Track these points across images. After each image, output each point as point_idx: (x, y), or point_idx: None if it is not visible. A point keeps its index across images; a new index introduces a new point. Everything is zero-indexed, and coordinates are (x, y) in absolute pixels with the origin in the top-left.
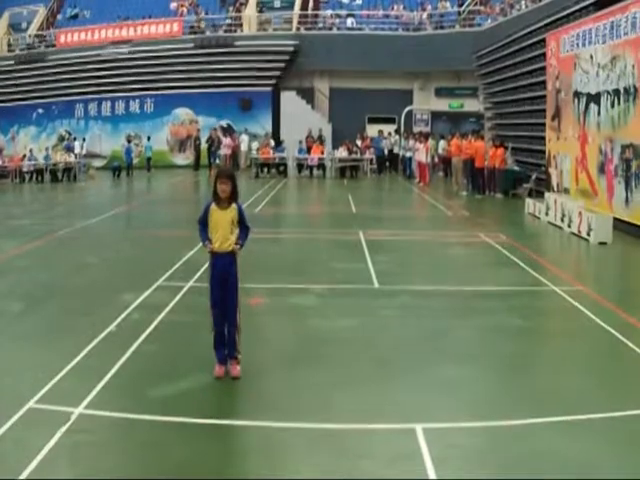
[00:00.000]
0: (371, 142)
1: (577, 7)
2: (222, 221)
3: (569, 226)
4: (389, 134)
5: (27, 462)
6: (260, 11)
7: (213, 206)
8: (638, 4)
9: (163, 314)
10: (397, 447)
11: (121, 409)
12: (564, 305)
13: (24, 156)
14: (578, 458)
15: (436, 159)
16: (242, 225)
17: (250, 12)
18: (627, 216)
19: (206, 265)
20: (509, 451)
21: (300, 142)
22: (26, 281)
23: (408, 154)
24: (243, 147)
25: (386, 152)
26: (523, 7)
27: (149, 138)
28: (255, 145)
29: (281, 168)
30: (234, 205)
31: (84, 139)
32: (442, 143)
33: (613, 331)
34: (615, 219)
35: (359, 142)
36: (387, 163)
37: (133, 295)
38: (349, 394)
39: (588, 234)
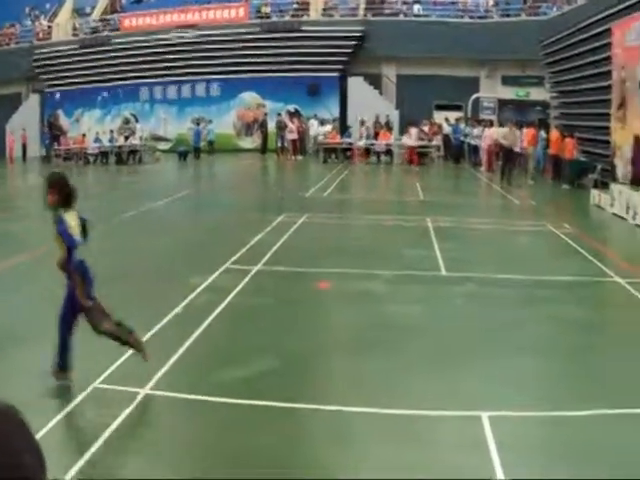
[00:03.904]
0: (447, 130)
1: None
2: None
3: (634, 218)
4: (456, 121)
5: (92, 442)
6: None
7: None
8: None
9: (231, 296)
10: (463, 434)
11: (187, 390)
12: (629, 296)
13: (84, 135)
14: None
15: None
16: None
17: None
18: None
19: (275, 247)
20: (575, 441)
21: (367, 128)
22: (92, 263)
23: (473, 141)
24: (312, 132)
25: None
26: None
27: (211, 121)
28: (323, 130)
29: (348, 153)
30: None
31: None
32: (501, 131)
33: None
34: None
35: (426, 128)
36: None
37: (201, 277)
38: (415, 380)
39: None
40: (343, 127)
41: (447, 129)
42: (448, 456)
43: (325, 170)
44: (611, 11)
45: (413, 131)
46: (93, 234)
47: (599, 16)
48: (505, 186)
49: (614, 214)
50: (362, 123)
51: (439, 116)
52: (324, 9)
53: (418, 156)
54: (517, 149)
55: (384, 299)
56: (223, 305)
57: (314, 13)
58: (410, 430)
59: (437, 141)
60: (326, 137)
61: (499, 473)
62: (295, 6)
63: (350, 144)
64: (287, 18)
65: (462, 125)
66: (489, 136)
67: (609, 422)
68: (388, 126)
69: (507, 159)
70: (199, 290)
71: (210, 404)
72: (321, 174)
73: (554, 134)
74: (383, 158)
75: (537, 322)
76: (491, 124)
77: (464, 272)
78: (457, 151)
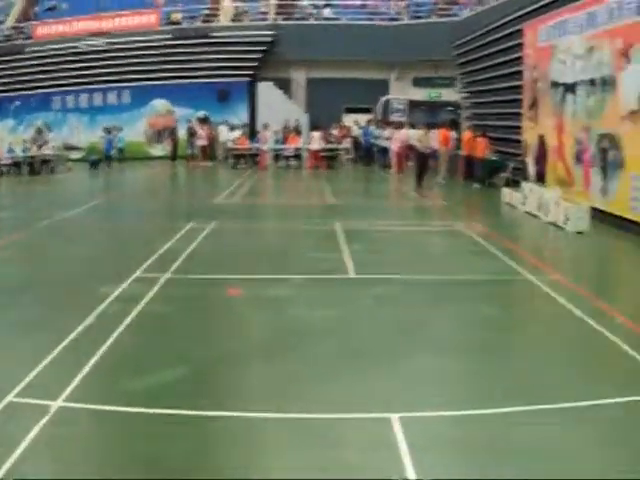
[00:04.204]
0: (356, 132)
1: None
2: None
3: (546, 215)
4: (366, 124)
5: (6, 457)
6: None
7: None
8: None
9: (142, 305)
10: (373, 436)
11: (100, 401)
12: (540, 294)
13: None
14: (556, 446)
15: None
16: None
17: (227, 2)
18: (604, 205)
19: (185, 255)
20: (486, 439)
21: (276, 132)
22: (3, 274)
23: (383, 144)
24: (222, 138)
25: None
26: None
27: (121, 129)
28: (232, 136)
29: (257, 159)
30: None
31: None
32: (413, 133)
33: (589, 319)
34: (592, 208)
35: (335, 131)
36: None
37: (111, 287)
38: (326, 384)
39: (565, 223)
40: (252, 132)
41: (356, 132)
42: (357, 459)
43: (234, 176)
44: (523, 12)
45: (316, 135)
46: (7, 245)
47: (511, 17)
48: (417, 188)
49: (526, 212)
50: (265, 127)
51: (349, 119)
52: (234, 14)
53: (325, 160)
54: (430, 151)
55: (293, 304)
56: (134, 314)
57: (224, 19)
58: (320, 434)
59: (346, 144)
60: (235, 143)
61: (410, 474)
62: (205, 12)
63: (259, 149)
64: (197, 24)
65: (371, 127)
66: (398, 138)
67: (522, 419)
68: (297, 130)
69: (421, 162)
70: (110, 299)
71: (123, 414)
72: (230, 180)
73: (467, 134)
74: (292, 162)
75: (448, 321)
76: (401, 126)
77: (373, 274)
78: (367, 154)
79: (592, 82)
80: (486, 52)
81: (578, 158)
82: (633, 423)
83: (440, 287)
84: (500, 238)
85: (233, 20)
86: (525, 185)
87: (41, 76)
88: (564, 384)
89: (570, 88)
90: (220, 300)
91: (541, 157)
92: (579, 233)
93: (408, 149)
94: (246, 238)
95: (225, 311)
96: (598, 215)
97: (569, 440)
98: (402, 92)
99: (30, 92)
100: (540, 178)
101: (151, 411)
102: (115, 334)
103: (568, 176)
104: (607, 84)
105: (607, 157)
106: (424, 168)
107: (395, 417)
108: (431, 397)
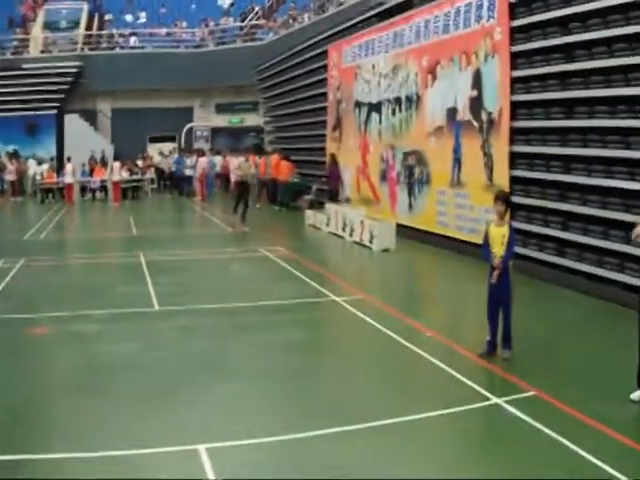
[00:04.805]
0: (159, 161)
1: (360, 18)
2: None
3: (351, 235)
4: (169, 152)
5: None
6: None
7: None
8: (422, 14)
9: None
10: (181, 469)
11: None
12: (346, 314)
13: None
14: (367, 464)
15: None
16: None
17: (36, 33)
18: (410, 221)
19: None
20: (295, 465)
21: (83, 165)
22: None
23: (187, 172)
24: (30, 172)
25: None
26: (306, 20)
27: None
28: (40, 170)
29: (64, 192)
30: None
31: None
32: (218, 159)
33: (396, 336)
34: (398, 225)
35: (140, 162)
36: (167, 182)
37: None
38: (132, 419)
39: (371, 242)
40: (60, 166)
41: (158, 160)
42: None
43: (42, 211)
44: (328, 33)
45: (116, 166)
46: None
47: (315, 39)
48: (235, 215)
49: (330, 233)
50: (68, 160)
51: (154, 148)
52: (44, 45)
53: (130, 190)
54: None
55: (99, 339)
56: None
57: (34, 50)
58: (127, 470)
59: (150, 174)
60: (43, 177)
61: None
62: (15, 43)
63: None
64: (8, 56)
65: (176, 156)
66: (200, 165)
67: (327, 442)
68: (103, 162)
69: (242, 189)
70: None
71: None
72: (39, 215)
73: (274, 158)
74: (98, 195)
75: (254, 349)
76: (203, 153)
77: (177, 305)
78: (173, 183)
79: (398, 100)
80: (289, 75)
81: (384, 176)
82: (443, 435)
83: (245, 314)
84: (304, 261)
85: (42, 51)
86: (329, 206)
87: None
88: (374, 402)
89: (375, 107)
90: (28, 340)
91: (334, 176)
92: (385, 251)
93: (216, 177)
94: (54, 274)
95: (33, 351)
96: (404, 231)
97: (381, 457)
98: (206, 119)
99: None
100: (333, 196)
101: None
102: None
103: (374, 194)
104: (413, 102)
105: (413, 174)
106: (245, 195)
107: (202, 448)
108: (238, 426)
